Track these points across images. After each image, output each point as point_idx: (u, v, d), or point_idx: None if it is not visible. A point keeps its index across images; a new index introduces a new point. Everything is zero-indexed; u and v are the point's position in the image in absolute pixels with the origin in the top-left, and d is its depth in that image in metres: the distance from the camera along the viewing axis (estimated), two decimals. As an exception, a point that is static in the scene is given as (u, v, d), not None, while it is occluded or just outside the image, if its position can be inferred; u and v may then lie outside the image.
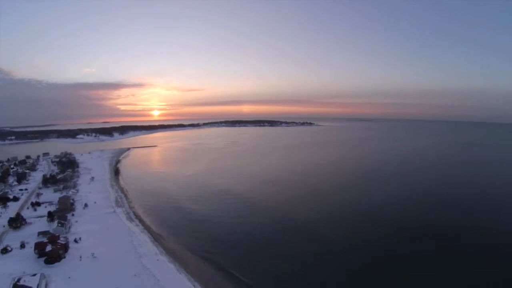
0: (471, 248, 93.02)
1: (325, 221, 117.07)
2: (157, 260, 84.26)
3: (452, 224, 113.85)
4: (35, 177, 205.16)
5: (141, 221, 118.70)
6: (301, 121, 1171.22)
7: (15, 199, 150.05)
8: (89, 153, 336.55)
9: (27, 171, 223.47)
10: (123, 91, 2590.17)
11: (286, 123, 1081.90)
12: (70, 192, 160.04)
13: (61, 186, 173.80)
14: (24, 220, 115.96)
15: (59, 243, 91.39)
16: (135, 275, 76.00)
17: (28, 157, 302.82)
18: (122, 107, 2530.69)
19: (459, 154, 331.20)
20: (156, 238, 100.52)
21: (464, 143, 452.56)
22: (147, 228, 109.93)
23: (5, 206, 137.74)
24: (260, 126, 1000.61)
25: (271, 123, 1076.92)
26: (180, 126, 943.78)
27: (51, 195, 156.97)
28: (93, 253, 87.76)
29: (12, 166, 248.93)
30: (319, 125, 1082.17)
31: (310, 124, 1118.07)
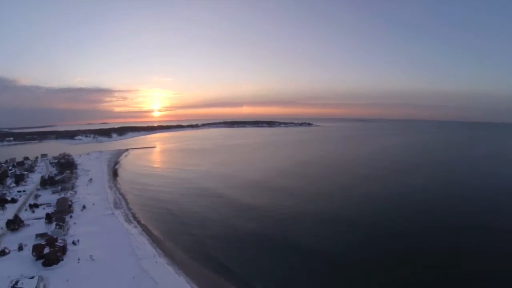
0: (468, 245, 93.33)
1: (329, 221, 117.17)
2: (156, 262, 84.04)
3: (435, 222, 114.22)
4: (33, 179, 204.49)
5: (139, 223, 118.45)
6: (300, 122, 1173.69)
7: (13, 200, 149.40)
8: (88, 154, 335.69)
9: (25, 172, 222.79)
10: (118, 94, 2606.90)
11: (285, 123, 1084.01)
12: (68, 194, 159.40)
13: (59, 188, 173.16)
14: (22, 222, 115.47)
15: (57, 245, 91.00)
16: (133, 277, 75.81)
17: (26, 158, 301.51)
18: (117, 109, 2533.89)
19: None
20: (155, 240, 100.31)
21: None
22: (146, 230, 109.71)
23: (3, 207, 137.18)
24: (258, 126, 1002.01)
25: (270, 123, 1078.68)
26: (179, 127, 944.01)
27: (49, 197, 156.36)
28: (91, 255, 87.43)
29: (10, 168, 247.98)
30: (318, 126, 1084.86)
31: (309, 124, 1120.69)
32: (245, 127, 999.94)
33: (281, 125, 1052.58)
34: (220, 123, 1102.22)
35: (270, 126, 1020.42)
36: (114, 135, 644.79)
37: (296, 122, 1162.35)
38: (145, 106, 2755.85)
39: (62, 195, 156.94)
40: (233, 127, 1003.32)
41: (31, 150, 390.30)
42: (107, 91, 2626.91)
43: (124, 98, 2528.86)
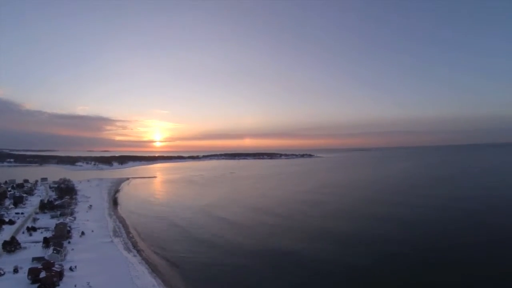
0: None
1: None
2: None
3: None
4: (32, 202, 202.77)
5: (139, 251, 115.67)
6: (301, 153, 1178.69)
7: (11, 222, 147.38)
8: (88, 181, 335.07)
9: (25, 195, 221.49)
10: (119, 123, 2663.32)
11: (286, 155, 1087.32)
12: (67, 219, 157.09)
13: (58, 213, 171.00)
14: (19, 244, 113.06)
15: (53, 270, 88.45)
16: (131, 308, 73.09)
17: (26, 180, 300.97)
18: (118, 138, 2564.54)
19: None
20: (154, 270, 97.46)
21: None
22: (145, 259, 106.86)
23: (0, 229, 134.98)
24: (260, 158, 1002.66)
25: (271, 155, 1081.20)
26: (180, 157, 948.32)
27: (47, 221, 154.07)
28: (89, 283, 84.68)
29: (9, 189, 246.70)
30: (319, 156, 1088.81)
31: (310, 156, 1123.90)
32: (247, 159, 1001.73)
33: (282, 156, 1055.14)
34: (221, 154, 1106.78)
35: (271, 158, 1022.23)
36: (115, 164, 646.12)
37: (297, 153, 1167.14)
38: (146, 137, 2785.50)
39: (61, 220, 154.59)
40: (235, 159, 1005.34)
41: (31, 173, 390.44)
42: (108, 120, 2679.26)
43: (125, 127, 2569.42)
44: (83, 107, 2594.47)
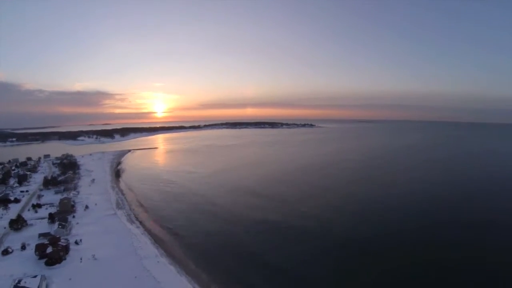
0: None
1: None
2: (158, 262, 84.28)
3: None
4: (36, 179, 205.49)
5: (141, 223, 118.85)
6: (302, 123, 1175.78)
7: (16, 200, 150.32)
8: (90, 155, 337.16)
9: (28, 173, 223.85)
10: (118, 96, 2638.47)
11: (287, 124, 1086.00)
12: (71, 194, 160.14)
13: (62, 188, 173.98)
14: (25, 221, 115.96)
15: (59, 244, 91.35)
16: (135, 277, 76.02)
17: (29, 158, 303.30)
18: (118, 111, 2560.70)
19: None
20: (157, 240, 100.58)
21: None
22: (148, 230, 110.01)
23: (6, 207, 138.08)
24: (261, 128, 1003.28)
25: (272, 124, 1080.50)
26: (181, 128, 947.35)
27: (52, 197, 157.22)
28: (94, 255, 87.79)
29: (13, 168, 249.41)
30: (321, 127, 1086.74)
31: (311, 125, 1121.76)
32: (248, 127, 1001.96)
33: (284, 126, 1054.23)
34: (222, 124, 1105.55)
35: (272, 127, 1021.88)
36: (117, 136, 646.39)
37: (298, 123, 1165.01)
38: (145, 108, 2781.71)
39: (65, 195, 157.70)
40: (236, 128, 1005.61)
41: (34, 150, 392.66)
42: (107, 94, 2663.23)
43: (123, 100, 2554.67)
44: (82, 83, 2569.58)
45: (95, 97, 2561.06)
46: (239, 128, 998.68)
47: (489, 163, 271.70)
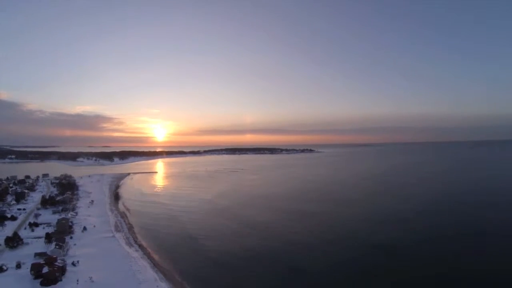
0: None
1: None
2: (157, 286, 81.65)
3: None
4: (34, 198, 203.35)
5: (140, 246, 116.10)
6: (302, 148, 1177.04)
7: (13, 218, 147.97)
8: (89, 176, 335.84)
9: (26, 191, 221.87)
10: (117, 120, 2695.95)
11: (287, 150, 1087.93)
12: (69, 215, 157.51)
13: (60, 208, 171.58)
14: (21, 240, 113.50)
15: (56, 265, 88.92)
16: (133, 302, 73.48)
17: (27, 177, 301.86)
18: (116, 134, 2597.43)
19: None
20: (156, 264, 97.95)
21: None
22: (147, 254, 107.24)
23: (2, 224, 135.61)
24: (260, 153, 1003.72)
25: (272, 150, 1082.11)
26: (181, 153, 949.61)
27: (49, 217, 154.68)
28: (91, 277, 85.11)
29: (11, 185, 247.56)
30: (320, 152, 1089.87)
31: (311, 151, 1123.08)
32: (247, 153, 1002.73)
33: (283, 151, 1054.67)
34: (222, 150, 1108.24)
35: (272, 153, 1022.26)
36: (116, 159, 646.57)
37: (297, 149, 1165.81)
38: (144, 133, 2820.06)
39: (63, 215, 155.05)
40: (235, 153, 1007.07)
41: (33, 169, 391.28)
42: (105, 118, 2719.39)
43: (122, 123, 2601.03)
44: (82, 106, 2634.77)
45: (94, 120, 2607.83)
46: (239, 154, 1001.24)
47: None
